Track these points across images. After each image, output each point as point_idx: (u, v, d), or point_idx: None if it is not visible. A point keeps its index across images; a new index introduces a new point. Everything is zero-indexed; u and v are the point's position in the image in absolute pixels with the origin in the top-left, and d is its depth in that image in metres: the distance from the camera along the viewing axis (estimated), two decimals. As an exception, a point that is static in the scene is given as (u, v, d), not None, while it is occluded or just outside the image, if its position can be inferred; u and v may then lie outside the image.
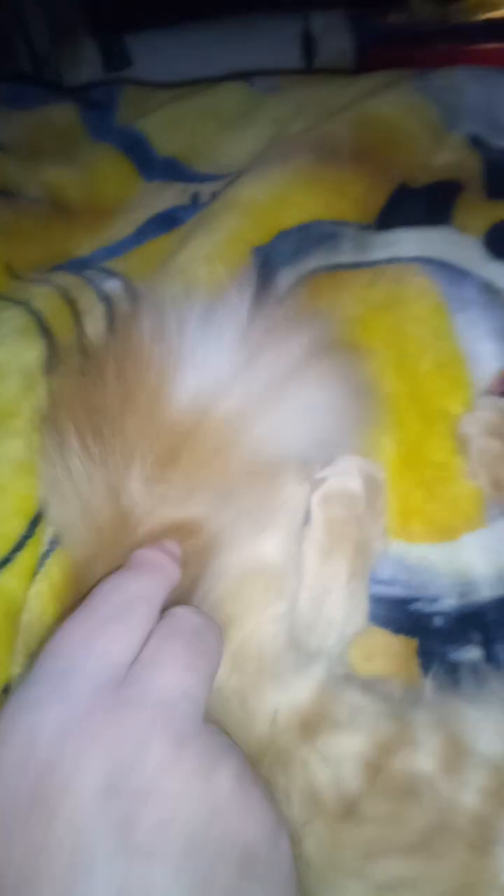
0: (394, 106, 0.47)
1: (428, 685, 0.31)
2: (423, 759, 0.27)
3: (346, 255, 0.43)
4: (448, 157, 0.47)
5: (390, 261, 0.42)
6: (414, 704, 0.30)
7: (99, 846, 0.19)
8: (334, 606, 0.33)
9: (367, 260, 0.43)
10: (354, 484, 0.36)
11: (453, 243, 0.43)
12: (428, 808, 0.26)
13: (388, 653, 0.34)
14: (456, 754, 0.27)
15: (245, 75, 0.62)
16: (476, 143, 0.48)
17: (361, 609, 0.34)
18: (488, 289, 0.41)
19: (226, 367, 0.31)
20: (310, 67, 0.80)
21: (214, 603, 0.30)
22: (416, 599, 0.35)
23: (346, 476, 0.35)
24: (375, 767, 0.27)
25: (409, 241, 0.43)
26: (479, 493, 0.37)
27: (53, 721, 0.22)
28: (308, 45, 0.81)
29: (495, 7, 0.97)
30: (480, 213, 0.44)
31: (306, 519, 0.35)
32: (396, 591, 0.35)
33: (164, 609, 0.27)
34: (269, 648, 0.30)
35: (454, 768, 0.26)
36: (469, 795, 0.26)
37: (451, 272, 0.42)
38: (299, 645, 0.31)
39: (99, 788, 0.20)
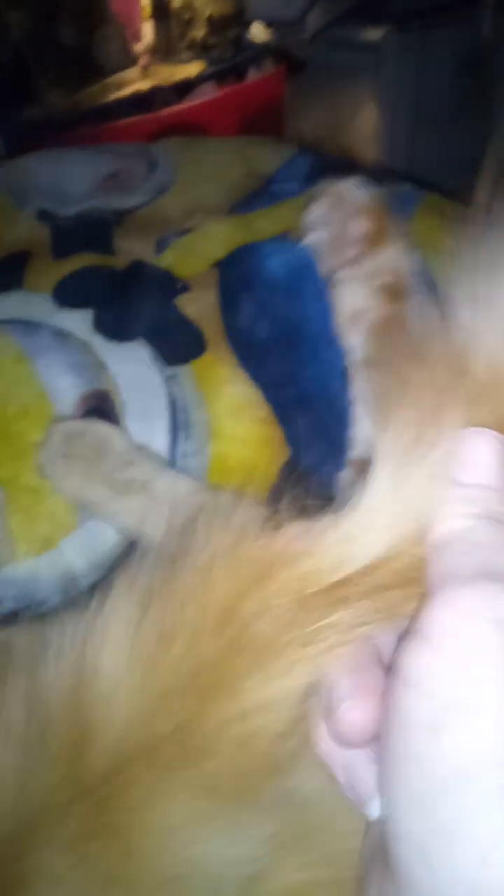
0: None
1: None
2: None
3: None
4: (20, 232, 0.55)
5: (-26, 329, 0.49)
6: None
7: None
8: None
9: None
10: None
11: (26, 303, 0.50)
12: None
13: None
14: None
15: None
16: (43, 216, 0.56)
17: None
18: (59, 333, 0.49)
19: None
20: None
21: None
22: (27, 608, 0.40)
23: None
24: None
25: (-12, 309, 0.50)
26: (69, 504, 0.43)
27: None
28: None
29: (123, 86, 1.10)
30: (47, 274, 0.51)
31: None
32: (8, 607, 0.40)
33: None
34: None
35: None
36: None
37: (26, 327, 0.49)
38: None
39: None
